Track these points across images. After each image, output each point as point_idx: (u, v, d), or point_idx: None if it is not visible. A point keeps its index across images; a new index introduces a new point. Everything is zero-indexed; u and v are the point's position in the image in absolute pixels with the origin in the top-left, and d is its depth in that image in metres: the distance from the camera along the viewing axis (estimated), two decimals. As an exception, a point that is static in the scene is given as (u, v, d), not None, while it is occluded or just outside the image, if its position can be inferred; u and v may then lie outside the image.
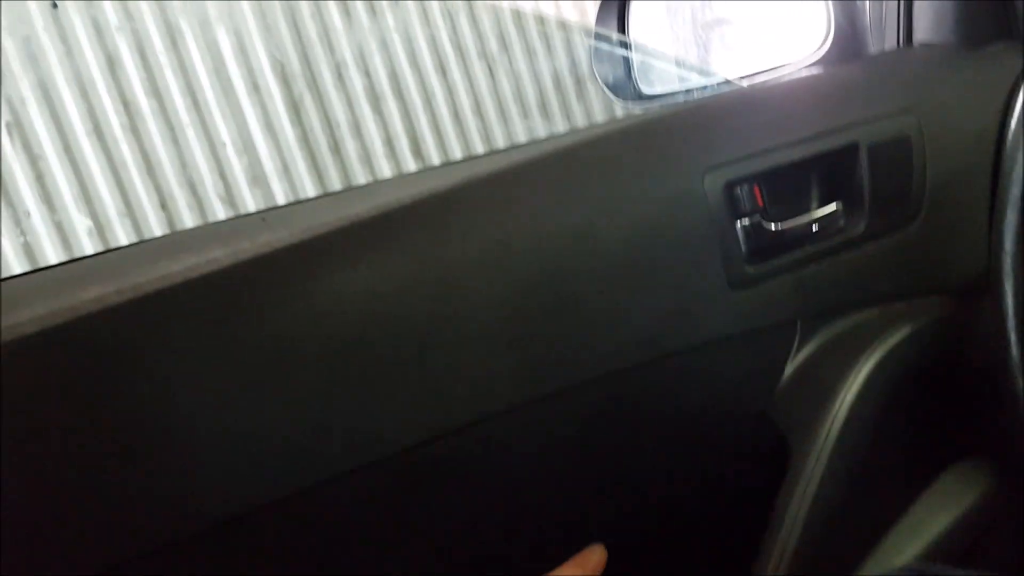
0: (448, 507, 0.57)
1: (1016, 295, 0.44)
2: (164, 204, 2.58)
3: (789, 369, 0.66)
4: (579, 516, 0.63)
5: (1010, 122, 0.45)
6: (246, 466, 0.47)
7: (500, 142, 3.12)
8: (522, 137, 3.18)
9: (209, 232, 0.55)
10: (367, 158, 2.80)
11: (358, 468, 0.50)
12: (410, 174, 0.60)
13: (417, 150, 2.92)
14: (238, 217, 0.57)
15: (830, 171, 0.65)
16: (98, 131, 2.58)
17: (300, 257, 0.48)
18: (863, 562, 0.68)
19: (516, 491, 0.59)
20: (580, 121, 3.23)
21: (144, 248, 0.54)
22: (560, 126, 3.20)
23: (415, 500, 0.55)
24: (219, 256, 0.47)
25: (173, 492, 0.46)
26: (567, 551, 0.57)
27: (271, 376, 0.47)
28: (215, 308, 0.46)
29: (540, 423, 0.57)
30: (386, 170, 2.84)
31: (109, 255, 0.53)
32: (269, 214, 0.55)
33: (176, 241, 0.53)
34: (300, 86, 2.75)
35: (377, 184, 0.60)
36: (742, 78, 0.87)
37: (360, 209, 0.50)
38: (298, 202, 0.59)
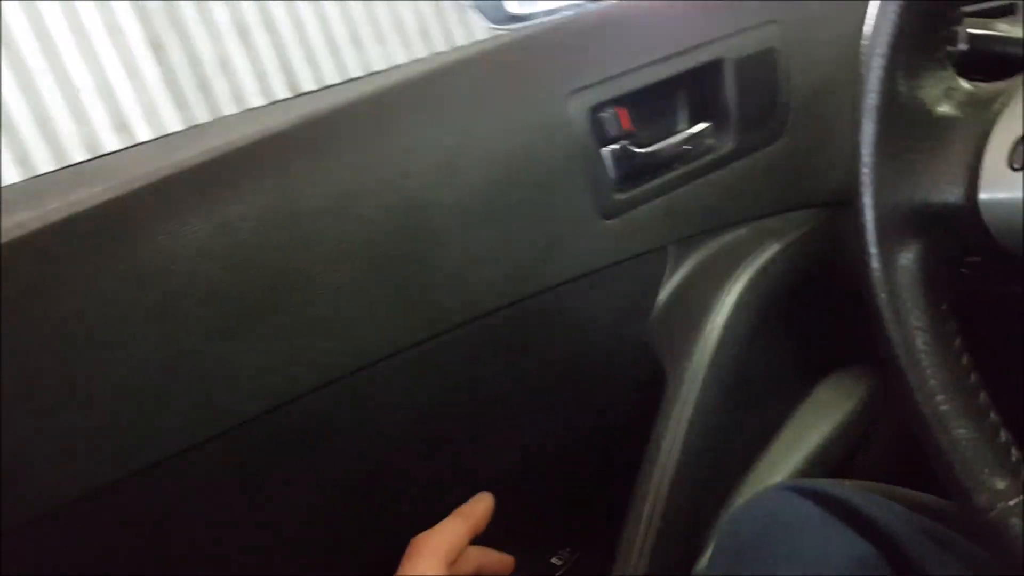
0: (322, 466, 0.54)
1: (876, 207, 0.43)
2: (23, 160, 2.41)
3: (663, 295, 0.65)
4: (459, 461, 0.62)
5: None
6: (90, 441, 0.44)
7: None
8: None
9: (13, 193, 0.50)
10: (239, 96, 2.66)
11: (215, 436, 0.47)
12: (244, 112, 0.56)
13: (293, 84, 2.80)
14: (45, 174, 0.51)
15: (697, 89, 0.64)
16: (-61, 82, 2.38)
17: (119, 213, 0.44)
18: (742, 480, 0.68)
19: (393, 443, 0.57)
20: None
21: None
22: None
23: (285, 461, 0.52)
24: (27, 218, 0.42)
25: (20, 469, 0.42)
26: (452, 499, 0.56)
27: (102, 345, 0.43)
28: (30, 275, 0.41)
29: (413, 371, 0.55)
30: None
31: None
32: (84, 167, 0.50)
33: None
34: (160, 22, 2.58)
35: (205, 126, 0.55)
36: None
37: (188, 155, 0.46)
38: (120, 150, 0.54)
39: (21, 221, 0.42)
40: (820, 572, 0.46)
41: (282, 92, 2.78)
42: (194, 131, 0.53)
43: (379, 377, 0.53)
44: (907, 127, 0.42)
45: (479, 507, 0.56)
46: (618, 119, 0.59)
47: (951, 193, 0.41)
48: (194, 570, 0.51)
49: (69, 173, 0.49)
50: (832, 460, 0.71)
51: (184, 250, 0.45)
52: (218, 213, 0.46)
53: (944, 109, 0.42)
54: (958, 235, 0.42)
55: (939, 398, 0.41)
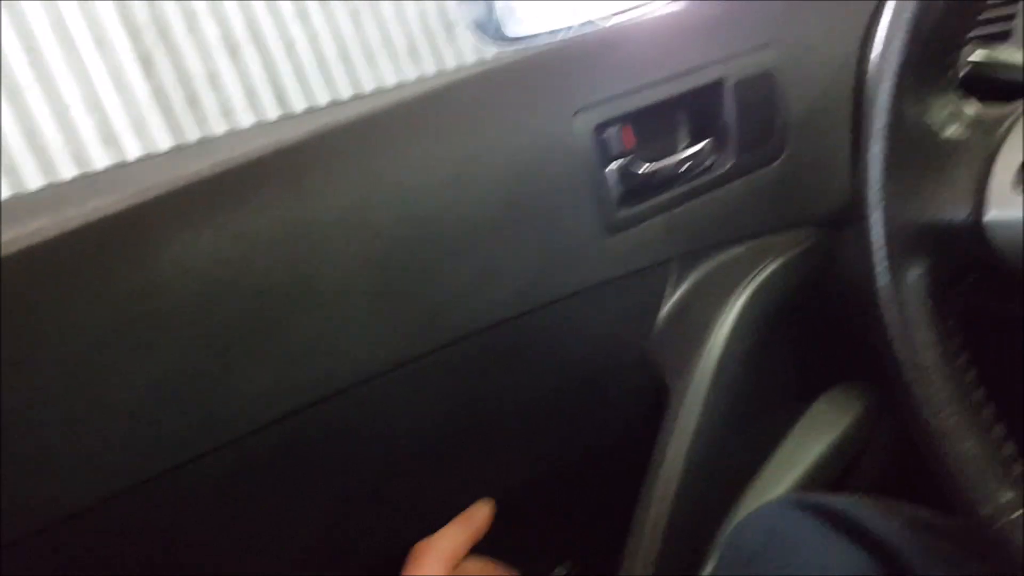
0: (325, 477, 0.54)
1: (885, 225, 0.44)
2: (12, 168, 2.39)
3: (665, 310, 0.66)
4: (463, 474, 0.62)
5: (870, 51, 0.44)
6: (99, 450, 0.44)
7: (369, 90, 3.04)
8: (392, 85, 3.09)
9: (29, 201, 0.50)
10: (228, 111, 2.67)
11: (222, 445, 0.47)
12: (255, 126, 0.56)
13: (282, 100, 2.80)
14: (61, 183, 0.52)
15: (698, 109, 0.65)
16: (-73, 96, 2.36)
17: (133, 223, 0.44)
18: (743, 494, 0.69)
19: (396, 455, 0.58)
20: (451, 66, 3.17)
21: None
22: (431, 71, 3.13)
23: (291, 470, 0.52)
24: (43, 226, 0.42)
25: (21, 483, 0.42)
26: (455, 509, 0.57)
27: (111, 357, 0.43)
28: (40, 285, 0.42)
29: (416, 383, 0.55)
30: (249, 123, 2.72)
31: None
32: (98, 177, 0.50)
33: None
34: (150, 37, 2.58)
35: (217, 139, 0.56)
36: (607, 17, 0.85)
37: (200, 167, 0.46)
38: (130, 163, 0.54)
39: (39, 227, 0.42)
40: None
41: (271, 108, 2.78)
42: (208, 143, 0.54)
43: (384, 388, 0.53)
44: (915, 148, 0.43)
45: (478, 514, 0.58)
46: (621, 137, 0.60)
47: (958, 213, 0.42)
48: None
49: (81, 183, 0.49)
50: (830, 474, 0.72)
51: (198, 260, 0.45)
52: (231, 224, 0.46)
53: (951, 131, 0.43)
54: (964, 253, 0.43)
55: (945, 412, 0.42)
